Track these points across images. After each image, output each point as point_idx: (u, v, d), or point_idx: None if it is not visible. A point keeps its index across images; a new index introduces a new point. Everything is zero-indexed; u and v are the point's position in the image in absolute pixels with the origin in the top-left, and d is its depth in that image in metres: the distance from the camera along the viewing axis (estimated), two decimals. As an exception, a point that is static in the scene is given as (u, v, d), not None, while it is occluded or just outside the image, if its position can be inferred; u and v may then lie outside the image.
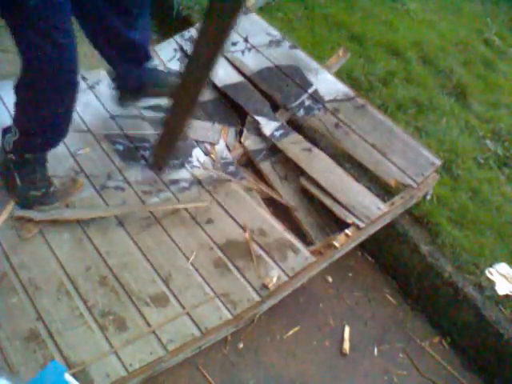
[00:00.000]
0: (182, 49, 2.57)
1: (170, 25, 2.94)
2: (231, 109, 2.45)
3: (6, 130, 1.74)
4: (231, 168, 2.17)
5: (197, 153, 2.19)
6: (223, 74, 2.48)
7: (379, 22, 3.48)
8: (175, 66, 2.50)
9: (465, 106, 3.04)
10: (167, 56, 2.53)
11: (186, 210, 1.96)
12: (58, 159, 1.97)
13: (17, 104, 1.62)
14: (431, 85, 3.05)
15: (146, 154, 2.12)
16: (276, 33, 2.60)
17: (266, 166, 2.26)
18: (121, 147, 2.10)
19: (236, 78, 2.47)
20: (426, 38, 3.52)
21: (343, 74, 2.78)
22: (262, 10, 3.05)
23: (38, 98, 1.57)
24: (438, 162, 2.24)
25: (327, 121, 2.34)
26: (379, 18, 3.52)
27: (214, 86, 2.47)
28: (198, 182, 2.08)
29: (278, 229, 1.98)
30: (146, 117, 2.27)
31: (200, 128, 2.29)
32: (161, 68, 2.38)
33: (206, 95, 2.44)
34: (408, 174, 2.19)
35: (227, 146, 2.26)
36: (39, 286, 1.59)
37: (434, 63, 3.28)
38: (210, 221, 1.94)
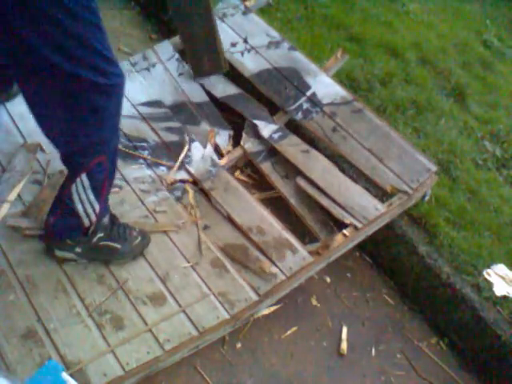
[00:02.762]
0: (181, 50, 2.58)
1: (169, 24, 2.94)
2: (225, 112, 2.45)
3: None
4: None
5: (195, 149, 2.19)
6: (222, 87, 2.48)
7: (379, 23, 3.48)
8: (173, 65, 2.50)
9: (463, 107, 3.05)
10: (166, 55, 2.52)
11: (185, 208, 1.96)
12: (54, 158, 1.96)
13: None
14: (430, 86, 3.05)
15: (144, 152, 2.11)
16: (275, 34, 2.60)
17: (266, 167, 2.26)
18: (119, 146, 2.09)
19: (234, 90, 2.48)
20: (425, 38, 3.53)
21: (342, 75, 2.78)
22: (262, 11, 3.05)
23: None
24: (434, 168, 2.24)
25: (325, 124, 2.34)
26: (379, 19, 3.52)
27: (210, 95, 2.47)
28: (195, 181, 2.08)
29: (276, 228, 1.98)
30: (143, 114, 2.26)
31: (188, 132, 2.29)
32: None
33: (202, 97, 2.44)
34: (404, 180, 2.19)
35: (216, 150, 2.24)
36: (37, 283, 1.58)
37: (433, 64, 3.29)
38: (206, 227, 1.94)
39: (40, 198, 1.80)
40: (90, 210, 1.54)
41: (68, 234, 1.60)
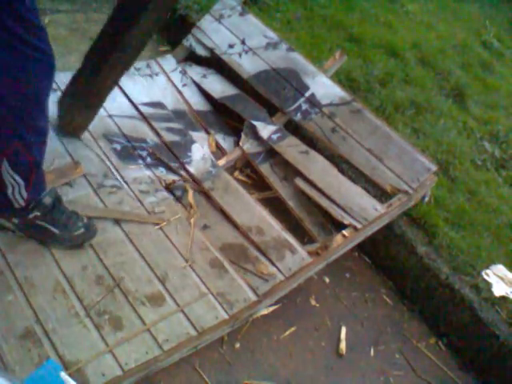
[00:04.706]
0: (183, 60, 2.61)
1: (168, 24, 2.94)
2: (228, 120, 2.47)
3: None
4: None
5: (196, 149, 2.20)
6: (220, 87, 2.50)
7: (378, 23, 3.49)
8: (177, 77, 2.51)
9: (463, 108, 3.05)
10: (169, 67, 2.54)
11: (184, 208, 1.97)
12: (54, 157, 1.96)
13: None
14: (429, 86, 3.06)
15: (143, 153, 2.12)
16: (273, 35, 2.59)
17: (265, 168, 2.27)
18: (118, 146, 2.10)
19: (232, 90, 2.50)
20: (425, 39, 3.54)
21: (342, 75, 2.79)
22: (261, 10, 3.06)
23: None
24: (434, 168, 2.24)
25: (324, 125, 2.34)
26: (378, 19, 3.53)
27: (210, 99, 2.48)
28: (194, 181, 2.08)
29: (276, 228, 1.99)
30: (145, 113, 2.27)
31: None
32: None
33: (205, 106, 2.46)
34: (404, 180, 2.19)
35: (213, 154, 2.25)
36: (35, 284, 1.58)
37: (433, 65, 3.30)
38: (206, 226, 1.95)
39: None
40: (17, 196, 1.57)
41: (3, 210, 1.63)
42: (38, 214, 1.64)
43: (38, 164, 1.57)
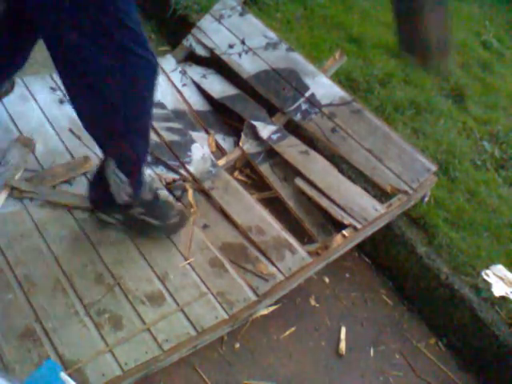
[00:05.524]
0: (183, 60, 2.60)
1: (168, 24, 2.93)
2: (228, 120, 2.47)
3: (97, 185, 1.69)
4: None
5: (196, 148, 2.19)
6: (220, 87, 2.50)
7: (378, 23, 3.48)
8: (177, 76, 2.51)
9: (462, 108, 3.05)
10: (169, 67, 2.53)
11: (184, 208, 1.97)
12: (53, 156, 1.96)
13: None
14: (429, 86, 3.05)
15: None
16: (273, 35, 2.59)
17: (265, 168, 2.27)
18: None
19: (232, 90, 2.49)
20: (425, 39, 3.52)
21: (342, 75, 2.78)
22: (261, 10, 3.05)
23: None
24: (434, 168, 2.24)
25: (324, 125, 2.33)
26: (378, 19, 3.52)
27: (210, 99, 2.48)
28: (195, 181, 2.08)
29: (276, 228, 1.99)
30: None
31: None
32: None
33: (205, 106, 2.47)
34: (404, 180, 2.19)
35: (213, 154, 2.25)
36: (35, 282, 1.58)
37: (432, 65, 3.29)
38: (206, 226, 1.95)
39: (50, 172, 1.86)
40: (122, 192, 1.64)
41: (106, 207, 1.73)
42: (142, 210, 1.73)
43: (141, 161, 1.64)
